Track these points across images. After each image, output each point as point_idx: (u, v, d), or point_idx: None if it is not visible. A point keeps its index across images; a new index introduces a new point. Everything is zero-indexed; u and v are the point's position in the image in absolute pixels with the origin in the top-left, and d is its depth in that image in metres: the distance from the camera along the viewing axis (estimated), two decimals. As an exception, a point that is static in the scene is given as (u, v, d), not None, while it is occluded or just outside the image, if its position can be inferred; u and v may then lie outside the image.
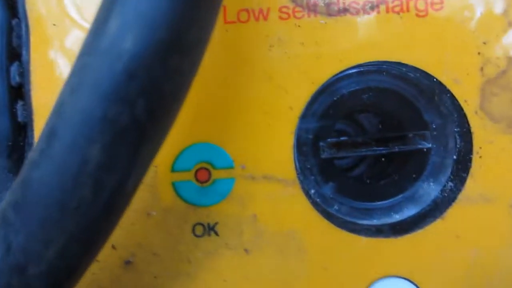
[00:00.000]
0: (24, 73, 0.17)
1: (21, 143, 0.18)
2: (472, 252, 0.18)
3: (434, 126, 0.18)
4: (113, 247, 0.18)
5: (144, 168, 0.13)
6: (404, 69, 0.18)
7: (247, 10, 0.18)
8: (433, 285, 0.18)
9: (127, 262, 0.18)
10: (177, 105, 0.12)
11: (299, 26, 0.18)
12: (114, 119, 0.11)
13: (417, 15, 0.18)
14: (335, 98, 0.18)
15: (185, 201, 0.18)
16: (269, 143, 0.18)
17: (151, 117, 0.12)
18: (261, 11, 0.18)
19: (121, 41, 0.11)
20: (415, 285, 0.18)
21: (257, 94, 0.18)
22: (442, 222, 0.18)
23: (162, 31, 0.11)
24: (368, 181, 0.18)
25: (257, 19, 0.18)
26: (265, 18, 0.18)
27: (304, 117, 0.18)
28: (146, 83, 0.11)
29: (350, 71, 0.18)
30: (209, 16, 0.12)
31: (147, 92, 0.11)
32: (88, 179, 0.11)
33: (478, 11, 0.18)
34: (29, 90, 0.18)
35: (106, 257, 0.18)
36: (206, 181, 0.18)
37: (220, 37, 0.18)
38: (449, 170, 0.18)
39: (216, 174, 0.18)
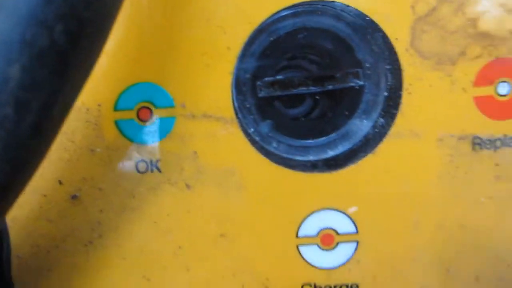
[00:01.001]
0: None
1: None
2: (399, 184, 0.19)
3: (366, 65, 0.19)
4: (60, 182, 0.19)
5: (71, 94, 0.13)
6: (338, 8, 0.18)
7: (184, -49, 0.18)
8: (364, 216, 0.19)
9: (74, 197, 0.19)
10: (99, 33, 0.13)
11: (236, -34, 0.18)
12: (32, 41, 0.12)
13: (350, -44, 0.18)
14: (271, 39, 0.18)
15: (128, 139, 0.19)
16: (208, 83, 0.19)
17: (70, 41, 0.12)
18: (199, -48, 0.18)
19: None
20: (348, 216, 0.19)
21: (196, 35, 0.19)
22: (373, 156, 0.19)
23: None
24: (303, 119, 0.19)
25: (195, -40, 0.18)
26: (204, -41, 0.18)
27: (242, 57, 0.18)
28: (64, 8, 0.12)
29: (287, 12, 0.18)
30: None
31: (65, 17, 0.12)
32: (9, 97, 0.12)
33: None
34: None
35: (53, 192, 0.19)
36: (147, 120, 0.19)
37: (159, -22, 0.18)
38: (380, 107, 0.19)
39: (157, 113, 0.19)
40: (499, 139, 0.19)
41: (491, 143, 0.19)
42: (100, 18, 0.13)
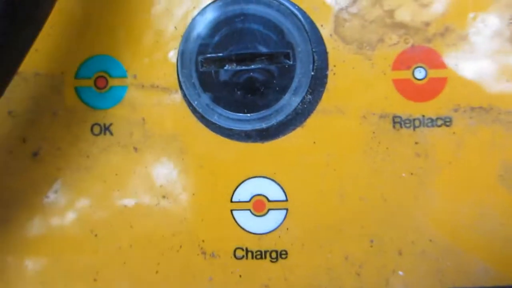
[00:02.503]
0: None
1: None
2: (326, 156, 0.21)
3: (297, 48, 0.22)
4: (24, 140, 0.22)
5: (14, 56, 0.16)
6: (272, -2, 0.22)
7: None
8: (293, 184, 0.22)
9: (35, 154, 0.22)
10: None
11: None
12: None
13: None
14: (213, 21, 0.22)
15: (86, 103, 0.22)
16: (157, 57, 0.22)
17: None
18: None
19: None
20: (278, 184, 0.22)
21: (149, 16, 0.22)
22: (302, 129, 0.22)
23: None
24: (238, 93, 0.22)
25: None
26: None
27: (187, 36, 0.22)
28: None
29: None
30: None
31: None
32: None
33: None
34: None
35: (17, 149, 0.22)
36: (103, 88, 0.22)
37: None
38: (307, 85, 0.21)
39: (112, 82, 0.22)
40: (417, 119, 0.21)
41: (410, 123, 0.21)
42: None
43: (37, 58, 0.22)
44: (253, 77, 0.22)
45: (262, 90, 0.22)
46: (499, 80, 0.21)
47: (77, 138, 0.22)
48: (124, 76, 0.22)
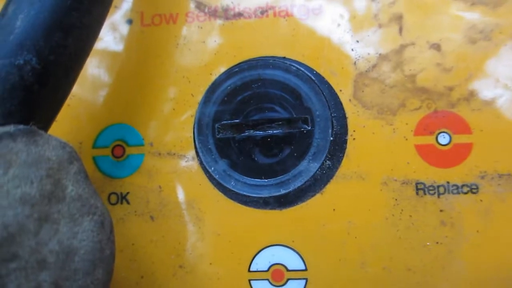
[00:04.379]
0: None
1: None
2: (346, 224, 0.21)
3: (315, 112, 0.22)
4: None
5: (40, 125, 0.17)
6: (288, 63, 0.22)
7: (159, 15, 0.23)
8: (311, 252, 0.22)
9: (52, 224, 0.23)
10: (64, 73, 0.17)
11: (201, 27, 0.23)
12: (6, 78, 0.16)
13: (300, 19, 0.22)
14: (229, 87, 0.22)
15: (103, 173, 0.23)
16: (173, 125, 0.23)
17: (39, 80, 0.17)
18: (171, 16, 0.23)
19: (14, 20, 0.16)
20: (297, 252, 0.22)
21: (165, 83, 0.23)
22: (321, 196, 0.22)
23: (46, 13, 0.16)
24: (255, 159, 0.22)
25: (167, 22, 0.23)
26: (174, 22, 0.23)
27: (204, 103, 0.22)
28: (33, 52, 0.16)
29: (243, 65, 0.22)
30: (92, 7, 0.18)
31: (35, 59, 0.16)
32: None
33: (352, 15, 0.22)
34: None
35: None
36: (121, 156, 0.23)
37: (137, 37, 0.23)
38: (326, 150, 0.22)
39: (129, 150, 0.23)
40: (442, 185, 0.21)
41: (434, 189, 0.21)
42: (64, 61, 0.17)
43: (56, 129, 0.22)
44: (271, 143, 0.22)
45: (280, 155, 0.22)
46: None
47: (94, 207, 0.23)
48: (141, 144, 0.23)
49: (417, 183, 0.21)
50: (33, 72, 0.17)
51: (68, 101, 0.22)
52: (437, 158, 0.22)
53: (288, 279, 0.22)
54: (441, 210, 0.21)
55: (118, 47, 0.24)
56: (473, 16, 0.22)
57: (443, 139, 0.21)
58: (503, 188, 0.21)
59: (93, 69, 0.23)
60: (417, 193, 0.21)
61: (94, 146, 0.23)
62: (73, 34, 0.18)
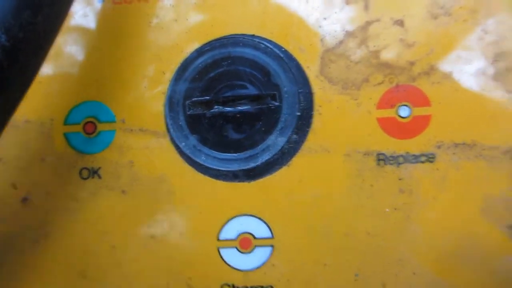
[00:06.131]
0: None
1: None
2: (311, 194, 0.23)
3: (282, 88, 0.23)
4: (14, 186, 0.24)
5: (8, 103, 0.18)
6: (257, 40, 0.23)
7: (131, -7, 0.24)
8: (279, 222, 0.23)
9: (24, 199, 0.24)
10: (32, 51, 0.18)
11: (173, 6, 0.24)
12: None
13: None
14: (200, 65, 0.23)
15: (74, 149, 0.24)
16: (145, 102, 0.24)
17: (8, 57, 0.17)
18: (142, -7, 0.24)
19: None
20: (265, 222, 0.23)
21: (137, 61, 0.24)
22: (288, 168, 0.23)
23: None
24: (225, 134, 0.23)
25: (139, 0, 0.24)
26: (146, 0, 0.24)
27: (175, 80, 0.23)
28: (2, 30, 0.17)
29: (214, 43, 0.23)
30: None
31: (4, 37, 0.17)
32: None
33: (317, -6, 0.24)
34: None
35: (7, 195, 0.24)
36: (92, 133, 0.24)
37: (109, 14, 0.24)
38: (293, 125, 0.23)
39: (100, 127, 0.24)
40: (401, 155, 0.23)
41: (394, 159, 0.23)
42: (34, 39, 0.18)
43: (27, 106, 0.23)
44: (240, 118, 0.23)
45: (248, 130, 0.23)
46: (483, 117, 0.23)
47: (66, 183, 0.24)
48: (113, 121, 0.24)
49: (378, 154, 0.23)
50: (2, 49, 0.17)
51: (39, 78, 0.23)
52: (397, 130, 0.23)
53: (255, 246, 0.23)
54: (400, 179, 0.23)
55: (90, 24, 0.25)
56: None
57: (404, 111, 0.23)
58: (458, 156, 0.23)
59: (65, 46, 0.24)
60: (378, 164, 0.23)
61: (66, 122, 0.24)
62: (42, 11, 0.18)
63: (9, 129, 0.23)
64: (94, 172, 0.24)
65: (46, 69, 0.23)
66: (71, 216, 0.24)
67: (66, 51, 0.24)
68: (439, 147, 0.23)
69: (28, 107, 0.24)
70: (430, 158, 0.23)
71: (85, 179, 0.24)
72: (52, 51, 0.21)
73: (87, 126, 0.24)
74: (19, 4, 0.18)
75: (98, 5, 0.25)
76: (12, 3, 0.18)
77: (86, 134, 0.24)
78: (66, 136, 0.24)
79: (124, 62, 0.24)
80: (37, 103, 0.24)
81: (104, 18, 0.25)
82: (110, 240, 0.24)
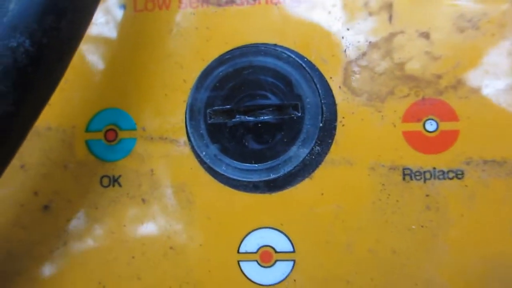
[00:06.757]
0: None
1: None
2: (334, 207, 0.23)
3: (305, 99, 0.23)
4: (36, 193, 0.24)
5: (32, 107, 0.18)
6: (279, 50, 0.23)
7: (152, 1, 0.24)
8: (300, 235, 0.23)
9: (46, 207, 0.24)
10: (57, 57, 0.18)
11: (194, 14, 0.24)
12: None
13: (291, 6, 0.23)
14: (221, 74, 0.23)
15: (96, 156, 0.24)
16: (166, 110, 0.24)
17: (32, 62, 0.18)
18: (164, 1, 0.24)
19: (8, 2, 0.17)
20: (285, 235, 0.23)
21: (158, 69, 0.24)
22: (310, 181, 0.23)
23: None
24: (246, 144, 0.23)
25: (160, 8, 0.24)
26: (167, 8, 0.24)
27: (196, 89, 0.23)
28: (26, 35, 0.17)
29: (235, 52, 0.23)
30: None
31: (28, 41, 0.17)
32: None
33: (343, 2, 0.23)
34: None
35: (29, 202, 0.24)
36: (113, 140, 0.24)
37: (130, 22, 0.24)
38: (316, 136, 0.23)
39: (121, 135, 0.24)
40: (428, 171, 0.22)
41: (421, 175, 0.22)
42: (57, 44, 0.18)
43: (50, 112, 0.24)
44: (261, 128, 0.23)
45: (270, 141, 0.23)
46: (512, 133, 0.22)
47: (86, 190, 0.24)
48: (134, 129, 0.24)
49: (404, 169, 0.23)
50: (26, 54, 0.18)
51: (61, 85, 0.23)
52: (424, 144, 0.23)
53: (276, 260, 0.23)
54: (427, 195, 0.22)
55: (112, 32, 0.25)
56: (462, 5, 0.23)
57: (430, 126, 0.23)
58: (487, 174, 0.22)
59: (86, 54, 0.25)
60: (403, 179, 0.23)
61: (87, 130, 0.24)
62: (66, 17, 0.19)
63: (31, 136, 0.23)
64: (114, 180, 0.24)
65: (68, 76, 0.23)
66: (91, 225, 0.24)
67: (88, 58, 0.25)
68: (467, 163, 0.22)
69: (50, 114, 0.24)
70: (458, 174, 0.22)
71: (105, 187, 0.24)
72: (74, 58, 0.21)
73: (108, 133, 0.24)
74: (43, 9, 0.18)
75: (119, 12, 0.25)
76: (37, 8, 0.18)
77: (107, 142, 0.24)
78: (87, 143, 0.24)
79: (145, 70, 0.24)
80: (59, 110, 0.24)
81: (125, 25, 0.25)
82: (129, 250, 0.24)
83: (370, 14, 0.23)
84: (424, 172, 0.23)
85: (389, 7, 0.23)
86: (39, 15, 0.18)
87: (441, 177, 0.22)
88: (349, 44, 0.23)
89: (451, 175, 0.22)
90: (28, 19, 0.18)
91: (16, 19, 0.18)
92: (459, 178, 0.22)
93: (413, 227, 0.23)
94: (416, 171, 0.23)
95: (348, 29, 0.23)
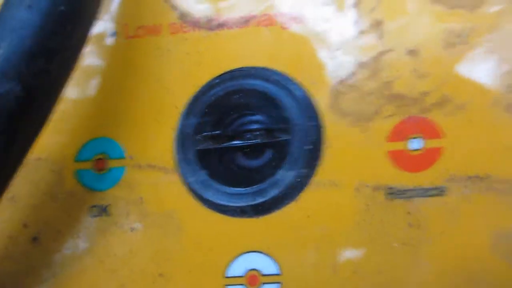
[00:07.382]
0: None
1: None
2: (320, 230, 0.23)
3: (293, 121, 0.24)
4: (25, 225, 0.24)
5: (22, 144, 0.19)
6: (268, 72, 0.24)
7: (143, 27, 0.25)
8: (286, 258, 0.23)
9: (35, 239, 0.24)
10: (46, 97, 0.19)
11: (185, 39, 0.25)
12: None
13: (281, 28, 0.24)
14: (212, 98, 0.24)
15: (84, 186, 0.24)
16: (154, 137, 0.24)
17: (22, 106, 0.18)
18: (155, 27, 0.25)
19: None
20: (272, 258, 0.23)
21: (147, 95, 0.25)
22: (296, 204, 0.23)
23: (28, 40, 0.18)
24: (234, 168, 0.24)
25: (151, 34, 0.25)
26: (158, 33, 0.25)
27: (186, 114, 0.24)
28: (16, 80, 0.18)
29: (225, 76, 0.24)
30: (74, 30, 0.19)
31: (18, 86, 0.18)
32: None
33: (330, 24, 0.24)
34: None
35: (18, 234, 0.24)
36: (102, 169, 0.24)
37: (121, 49, 0.25)
38: (303, 159, 0.23)
39: (111, 163, 0.24)
40: (411, 189, 0.23)
41: (403, 193, 0.23)
42: (48, 86, 0.19)
43: (39, 143, 0.24)
44: (250, 152, 0.24)
45: (258, 164, 0.24)
46: (496, 149, 0.22)
47: (75, 221, 0.24)
48: (122, 157, 0.24)
49: (387, 188, 0.23)
50: (16, 99, 0.18)
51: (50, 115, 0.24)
52: (408, 163, 0.23)
53: (262, 283, 0.23)
54: (408, 213, 0.23)
55: (103, 60, 0.26)
56: (452, 20, 0.24)
57: (415, 144, 0.23)
58: (469, 189, 0.22)
59: (76, 82, 0.25)
60: (386, 198, 0.23)
61: (76, 159, 0.25)
62: (56, 58, 0.19)
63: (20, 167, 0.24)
64: (103, 210, 0.24)
65: (58, 106, 0.24)
66: (80, 255, 0.24)
67: (78, 87, 0.25)
68: (451, 180, 0.23)
69: (39, 145, 0.24)
70: (440, 191, 0.23)
71: (94, 216, 0.24)
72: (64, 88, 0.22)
73: (98, 162, 0.25)
74: (33, 53, 0.19)
75: (110, 40, 0.26)
76: (26, 52, 0.18)
77: (97, 171, 0.25)
78: (76, 173, 0.25)
79: (134, 97, 0.25)
80: (48, 140, 0.25)
81: (116, 53, 0.26)
82: (119, 279, 0.24)
83: (361, 32, 0.24)
84: (407, 190, 0.23)
85: (379, 24, 0.24)
86: (28, 58, 0.18)
87: (423, 194, 0.23)
88: (338, 64, 0.24)
89: (433, 192, 0.23)
90: (18, 64, 0.18)
91: (5, 64, 0.18)
92: (440, 195, 0.23)
93: (395, 245, 0.23)
94: (399, 190, 0.23)
95: (337, 49, 0.24)
